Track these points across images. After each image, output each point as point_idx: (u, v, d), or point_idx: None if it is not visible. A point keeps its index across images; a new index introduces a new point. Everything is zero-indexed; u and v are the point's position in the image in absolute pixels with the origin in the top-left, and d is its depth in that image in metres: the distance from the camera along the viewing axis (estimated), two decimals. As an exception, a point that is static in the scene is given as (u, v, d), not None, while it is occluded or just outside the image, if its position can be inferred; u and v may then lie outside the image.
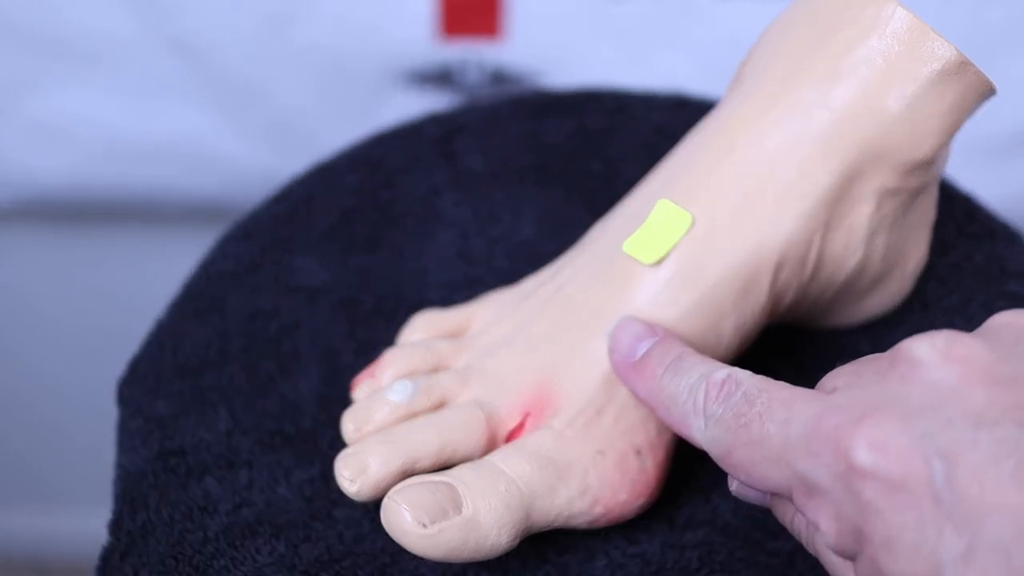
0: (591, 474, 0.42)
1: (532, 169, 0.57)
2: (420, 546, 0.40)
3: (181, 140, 0.83)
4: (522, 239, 0.54)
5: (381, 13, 0.76)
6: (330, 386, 0.49)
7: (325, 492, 0.45)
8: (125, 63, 0.80)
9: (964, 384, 0.32)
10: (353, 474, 0.42)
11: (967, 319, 0.51)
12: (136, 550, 0.44)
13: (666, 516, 0.45)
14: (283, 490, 0.45)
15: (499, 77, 0.79)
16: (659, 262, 0.43)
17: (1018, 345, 0.33)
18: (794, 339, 0.50)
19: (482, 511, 0.40)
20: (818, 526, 0.33)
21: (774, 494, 0.37)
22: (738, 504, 0.45)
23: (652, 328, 0.42)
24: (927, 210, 0.47)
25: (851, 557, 0.33)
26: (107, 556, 0.45)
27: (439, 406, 0.44)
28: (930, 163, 0.44)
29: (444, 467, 0.42)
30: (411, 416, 0.44)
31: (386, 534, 0.41)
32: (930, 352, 0.32)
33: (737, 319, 0.44)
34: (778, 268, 0.44)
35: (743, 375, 0.37)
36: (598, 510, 0.42)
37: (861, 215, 0.44)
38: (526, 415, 0.43)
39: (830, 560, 0.35)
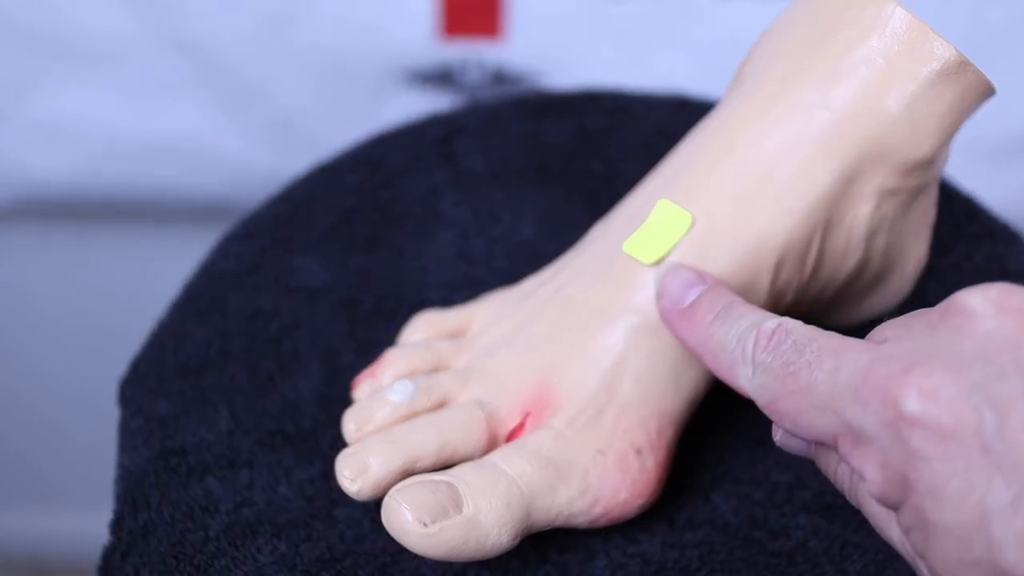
0: (591, 473, 0.42)
1: (532, 169, 0.57)
2: (421, 545, 0.40)
3: (182, 139, 0.83)
4: (522, 239, 0.54)
5: (382, 13, 0.76)
6: (330, 386, 0.49)
7: (326, 492, 0.45)
8: (126, 63, 0.80)
9: (1017, 336, 0.31)
10: (354, 473, 0.42)
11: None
12: (137, 550, 0.44)
13: (666, 516, 0.45)
14: (284, 490, 0.45)
15: (499, 77, 0.79)
16: (659, 262, 0.43)
17: None
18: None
19: (483, 510, 0.40)
20: (863, 475, 0.33)
21: (818, 444, 0.37)
22: (738, 504, 0.45)
23: (702, 275, 0.42)
24: (927, 210, 0.47)
25: (894, 507, 0.33)
26: (108, 556, 0.45)
27: (439, 406, 0.44)
28: (930, 163, 0.44)
29: (445, 467, 0.43)
30: (412, 416, 0.44)
31: (387, 534, 0.41)
32: (983, 304, 0.32)
33: (737, 319, 0.44)
34: (778, 267, 0.44)
35: (794, 324, 0.37)
36: (598, 509, 0.42)
37: (861, 215, 0.44)
38: (526, 415, 0.44)
39: (872, 511, 0.35)
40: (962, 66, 0.42)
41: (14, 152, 0.84)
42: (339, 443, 0.45)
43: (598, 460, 0.42)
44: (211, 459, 0.46)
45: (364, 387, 0.46)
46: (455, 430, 0.43)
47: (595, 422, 0.43)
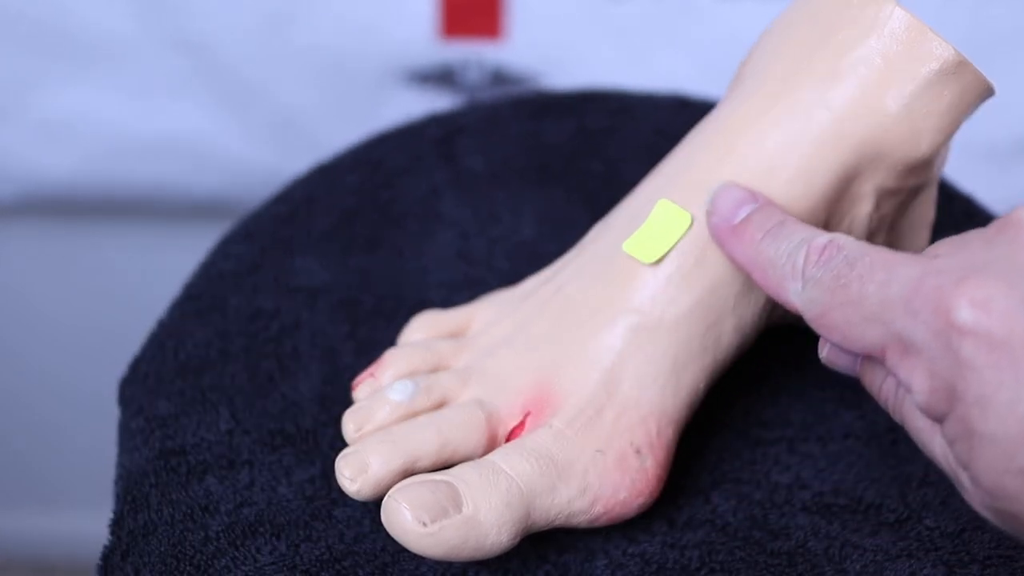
0: (591, 473, 0.42)
1: (532, 169, 0.57)
2: (420, 545, 0.40)
3: (184, 137, 0.83)
4: (522, 239, 0.54)
5: (382, 13, 0.77)
6: (330, 386, 0.49)
7: (326, 492, 0.45)
8: (128, 61, 0.80)
9: None
10: (354, 473, 0.42)
11: (967, 319, 0.51)
12: (137, 550, 0.44)
13: (666, 516, 0.45)
14: (284, 490, 0.45)
15: (499, 78, 0.79)
16: (659, 262, 0.43)
17: None
18: (794, 340, 0.50)
19: (482, 510, 0.40)
20: (910, 386, 0.34)
21: (865, 358, 0.37)
22: (738, 504, 0.45)
23: (754, 194, 0.42)
24: (926, 210, 0.47)
25: (940, 418, 0.33)
26: (108, 556, 0.45)
27: (439, 405, 0.44)
28: (929, 162, 0.44)
29: (445, 466, 0.43)
30: (411, 416, 0.44)
31: (387, 534, 0.41)
32: None
33: (737, 319, 0.44)
34: (777, 267, 0.44)
35: (845, 240, 0.37)
36: (598, 509, 0.42)
37: (860, 214, 0.44)
38: (526, 414, 0.44)
39: (915, 425, 0.36)
40: (961, 66, 0.42)
41: (16, 149, 0.84)
42: (339, 443, 0.45)
43: (598, 459, 0.42)
44: (211, 459, 0.46)
45: (364, 387, 0.46)
46: (455, 430, 0.43)
47: (595, 422, 0.43)
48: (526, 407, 0.44)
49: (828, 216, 0.44)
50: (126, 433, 0.48)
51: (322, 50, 0.78)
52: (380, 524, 0.42)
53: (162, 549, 0.43)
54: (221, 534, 0.43)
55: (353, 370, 0.49)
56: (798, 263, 0.38)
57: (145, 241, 0.94)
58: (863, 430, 0.47)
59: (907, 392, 0.34)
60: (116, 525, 0.45)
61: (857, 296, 0.35)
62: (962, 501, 0.44)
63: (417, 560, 0.43)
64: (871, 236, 0.45)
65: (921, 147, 0.43)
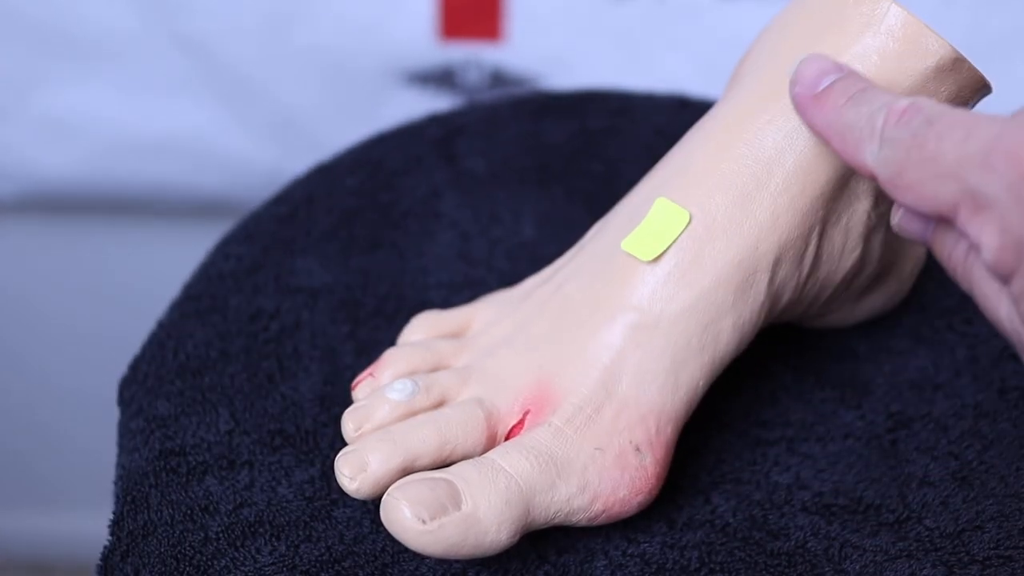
0: (590, 471, 0.42)
1: (532, 170, 0.57)
2: (419, 542, 0.40)
3: (185, 136, 0.83)
4: (522, 240, 0.54)
5: (382, 13, 0.77)
6: (330, 386, 0.49)
7: (326, 492, 0.45)
8: (130, 60, 0.80)
9: None
10: (353, 472, 0.42)
11: (965, 320, 0.51)
12: (137, 550, 0.44)
13: (666, 516, 0.45)
14: (284, 490, 0.45)
15: (499, 79, 0.79)
16: (657, 259, 0.43)
17: None
18: (792, 339, 0.50)
19: (482, 507, 0.40)
20: (980, 244, 0.34)
21: (937, 223, 0.37)
22: (738, 504, 0.45)
23: (839, 65, 0.41)
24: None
25: (1008, 276, 0.33)
26: (108, 556, 0.45)
27: (439, 404, 0.44)
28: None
29: (444, 465, 0.42)
30: (411, 414, 0.44)
31: (387, 534, 0.41)
32: None
33: (736, 317, 0.44)
34: (776, 265, 0.44)
35: (926, 102, 0.37)
36: (597, 507, 0.42)
37: (858, 212, 0.44)
38: (525, 413, 0.44)
39: (983, 290, 0.36)
40: (957, 63, 0.42)
41: (17, 148, 0.84)
42: (339, 443, 0.45)
43: (597, 457, 0.42)
44: (211, 459, 0.46)
45: (364, 387, 0.46)
46: (454, 428, 0.43)
47: (594, 420, 0.43)
48: (525, 405, 0.44)
49: (826, 213, 0.44)
50: (126, 433, 0.48)
51: (322, 50, 0.78)
52: (380, 524, 0.42)
53: (162, 549, 0.43)
54: (221, 535, 0.43)
55: (353, 370, 0.49)
56: (877, 124, 0.37)
57: (145, 241, 0.94)
58: (863, 430, 0.47)
59: (977, 252, 0.34)
60: (116, 525, 0.45)
61: (933, 153, 0.35)
62: (962, 501, 0.44)
63: (417, 560, 0.43)
64: (870, 233, 0.45)
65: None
